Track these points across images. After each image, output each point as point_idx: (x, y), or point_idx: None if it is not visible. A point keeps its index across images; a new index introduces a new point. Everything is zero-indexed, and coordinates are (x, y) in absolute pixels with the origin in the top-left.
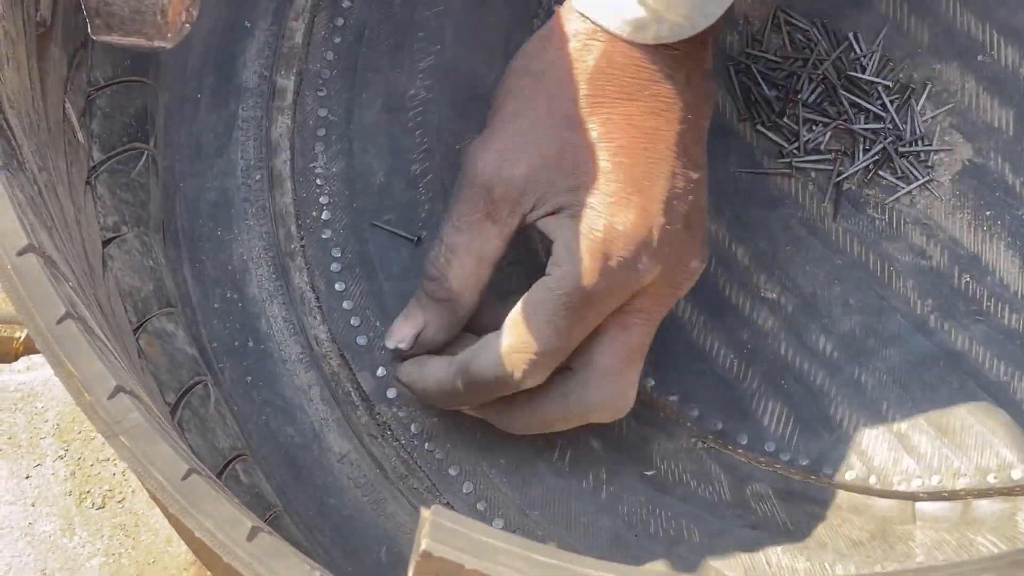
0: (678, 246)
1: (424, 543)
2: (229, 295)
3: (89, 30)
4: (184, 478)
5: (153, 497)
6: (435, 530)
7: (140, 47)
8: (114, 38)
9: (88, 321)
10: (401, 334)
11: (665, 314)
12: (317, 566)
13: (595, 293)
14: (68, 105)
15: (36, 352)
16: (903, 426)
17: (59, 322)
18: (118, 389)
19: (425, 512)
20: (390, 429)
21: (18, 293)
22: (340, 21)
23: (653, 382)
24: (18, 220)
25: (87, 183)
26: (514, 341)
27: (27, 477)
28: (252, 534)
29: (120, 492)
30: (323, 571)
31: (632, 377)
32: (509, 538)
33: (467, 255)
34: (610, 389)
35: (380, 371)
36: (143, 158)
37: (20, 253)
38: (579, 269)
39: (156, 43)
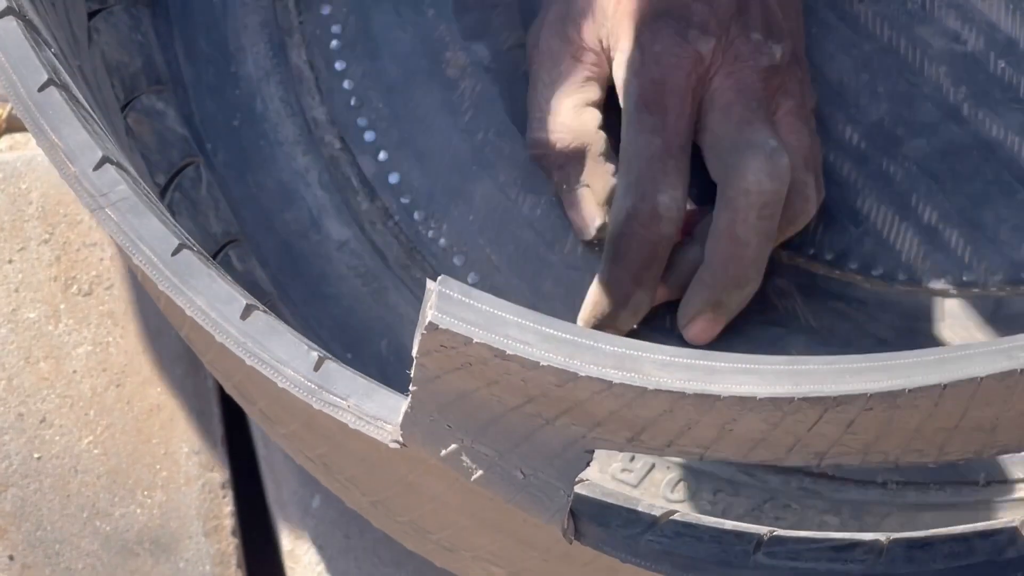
0: None
1: (430, 315)
2: (223, 73)
3: None
4: (175, 253)
5: (142, 277)
6: (442, 301)
7: None
8: None
9: (72, 89)
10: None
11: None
12: (314, 346)
13: None
14: None
15: (19, 129)
16: (934, 219)
17: (41, 89)
18: (104, 160)
19: (431, 284)
20: (392, 216)
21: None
22: None
23: None
24: None
25: None
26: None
27: (10, 261)
28: (246, 312)
29: (109, 279)
30: (320, 351)
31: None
32: (521, 311)
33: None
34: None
35: (382, 155)
36: None
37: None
38: None
39: None
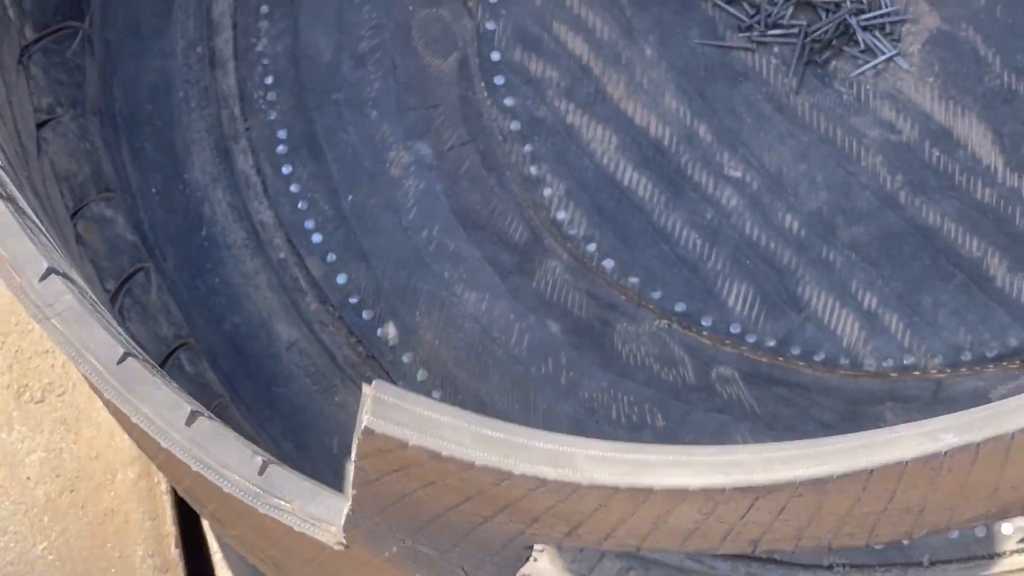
0: None
1: (366, 420)
2: (171, 179)
3: None
4: (120, 362)
5: (90, 384)
6: (377, 406)
7: None
8: None
9: (19, 201)
10: None
11: None
12: (258, 450)
13: None
14: None
15: None
16: (873, 304)
17: None
18: (50, 271)
19: (367, 388)
20: (341, 316)
21: None
22: None
23: (613, 263)
24: None
25: (19, 62)
26: None
27: None
28: (191, 418)
29: (61, 385)
30: (264, 455)
31: None
32: (454, 412)
33: None
34: None
35: (330, 256)
36: (78, 37)
37: None
38: None
39: None
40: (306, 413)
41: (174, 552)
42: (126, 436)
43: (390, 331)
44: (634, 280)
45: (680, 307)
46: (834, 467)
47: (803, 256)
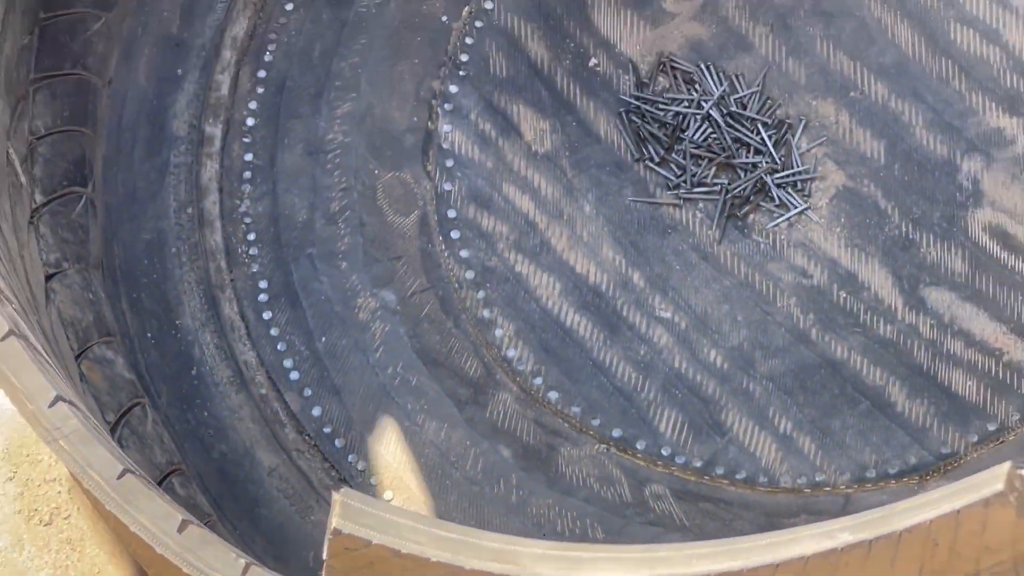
0: None
1: (335, 522)
2: (164, 325)
3: None
4: (119, 477)
5: (92, 501)
6: (344, 510)
7: None
8: None
9: (31, 339)
10: None
11: None
12: (243, 554)
13: None
14: (11, 151)
15: None
16: (789, 428)
17: (3, 339)
18: (58, 398)
19: (336, 495)
20: (316, 444)
21: None
22: (263, 73)
23: (558, 395)
24: None
25: (30, 223)
26: None
27: None
28: (182, 526)
29: (66, 510)
30: (247, 557)
31: None
32: (413, 516)
33: None
34: None
35: (306, 391)
36: (82, 201)
37: None
38: None
39: None
40: (285, 531)
41: None
42: (126, 555)
43: (360, 456)
44: (576, 409)
45: (617, 432)
46: (744, 562)
47: (726, 386)
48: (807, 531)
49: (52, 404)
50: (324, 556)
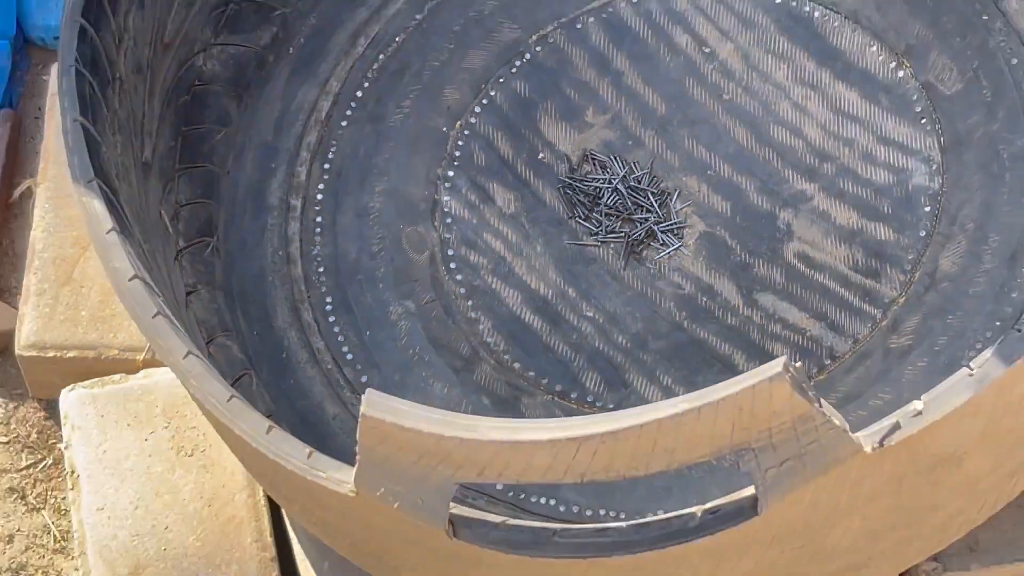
0: None
1: (362, 408)
2: (264, 326)
3: None
4: (228, 400)
5: (211, 418)
6: (368, 401)
7: None
8: None
9: (174, 322)
10: None
11: None
12: (307, 445)
13: None
14: (163, 213)
15: (151, 366)
16: (669, 383)
17: (154, 316)
18: (188, 353)
19: (364, 396)
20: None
21: (129, 303)
22: (327, 166)
23: (519, 365)
24: (127, 259)
25: (175, 259)
26: None
27: (146, 440)
28: (268, 429)
29: (202, 446)
30: (309, 448)
31: None
32: (411, 404)
33: None
34: None
35: (357, 366)
36: (210, 247)
37: (130, 279)
38: None
39: None
40: (344, 455)
41: (269, 539)
42: (241, 471)
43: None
44: (531, 373)
45: (559, 387)
46: (619, 424)
47: (629, 357)
48: (660, 405)
49: (186, 356)
50: (358, 436)
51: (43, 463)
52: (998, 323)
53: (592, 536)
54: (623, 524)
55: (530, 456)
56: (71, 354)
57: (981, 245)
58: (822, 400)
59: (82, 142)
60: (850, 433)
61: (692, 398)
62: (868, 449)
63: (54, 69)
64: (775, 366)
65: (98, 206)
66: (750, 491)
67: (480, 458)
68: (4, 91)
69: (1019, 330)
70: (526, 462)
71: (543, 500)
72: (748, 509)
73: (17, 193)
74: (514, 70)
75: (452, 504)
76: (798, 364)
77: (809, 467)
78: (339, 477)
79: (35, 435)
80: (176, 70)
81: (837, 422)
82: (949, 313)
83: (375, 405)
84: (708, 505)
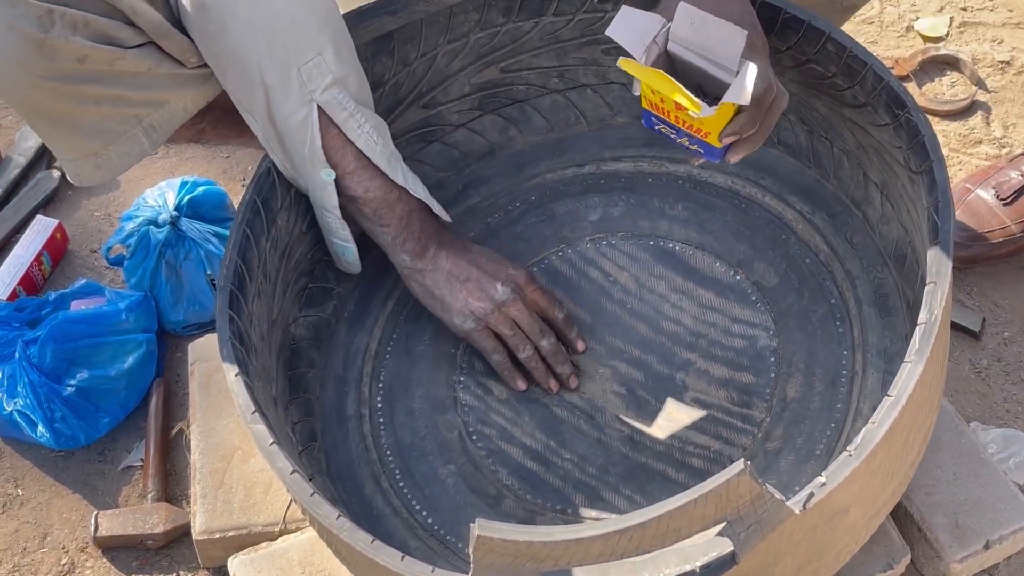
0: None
1: (477, 528)
2: (358, 496)
3: None
4: (372, 543)
5: (349, 556)
6: (482, 529)
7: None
8: None
9: (324, 499)
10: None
11: None
12: (431, 565)
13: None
14: (287, 429)
15: (285, 535)
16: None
17: (311, 495)
18: (339, 515)
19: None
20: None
21: (293, 490)
22: (380, 385)
23: None
24: (287, 461)
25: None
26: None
27: None
28: (402, 557)
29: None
30: (436, 567)
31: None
32: (509, 526)
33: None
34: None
35: (430, 519)
36: (316, 448)
37: (291, 473)
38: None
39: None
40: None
41: None
42: None
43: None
44: (539, 500)
45: (558, 507)
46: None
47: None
48: (670, 500)
49: (337, 518)
50: (470, 550)
51: None
52: (833, 424)
53: None
54: None
55: (588, 546)
56: (231, 534)
57: (811, 377)
58: (766, 484)
59: (244, 389)
60: (786, 502)
61: (689, 493)
62: (798, 511)
63: (190, 348)
64: (739, 465)
65: (262, 429)
66: (730, 548)
67: (555, 552)
68: (156, 366)
69: (873, 422)
70: (585, 551)
71: None
72: (729, 561)
73: (173, 433)
74: None
75: None
76: (748, 463)
77: (764, 527)
78: None
79: None
80: (281, 336)
81: (779, 496)
82: (800, 423)
83: (484, 527)
84: (701, 561)
